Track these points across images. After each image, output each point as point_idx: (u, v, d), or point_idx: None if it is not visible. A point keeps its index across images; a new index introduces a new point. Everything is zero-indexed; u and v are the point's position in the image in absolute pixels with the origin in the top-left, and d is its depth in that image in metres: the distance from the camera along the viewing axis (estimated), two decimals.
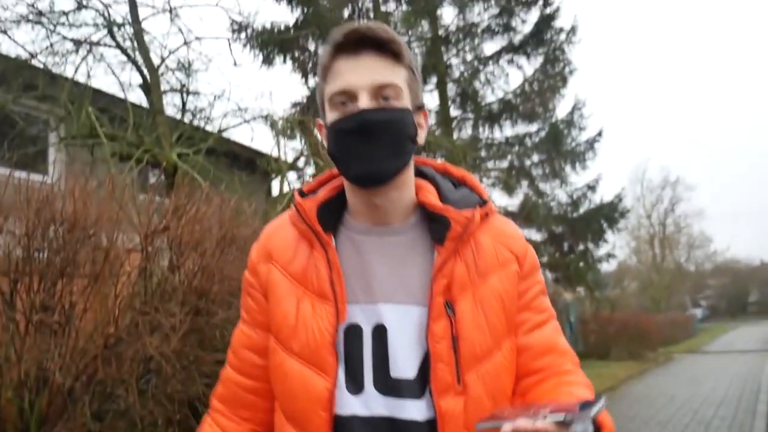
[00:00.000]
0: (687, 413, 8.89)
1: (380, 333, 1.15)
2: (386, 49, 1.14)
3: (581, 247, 16.77)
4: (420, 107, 1.23)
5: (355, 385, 1.14)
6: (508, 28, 15.06)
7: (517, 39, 15.10)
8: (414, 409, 1.11)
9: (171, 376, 3.65)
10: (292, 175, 10.05)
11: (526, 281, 1.23)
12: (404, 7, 14.19)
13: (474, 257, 1.18)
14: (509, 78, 15.42)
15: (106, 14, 8.71)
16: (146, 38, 8.99)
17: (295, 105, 13.34)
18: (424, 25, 14.30)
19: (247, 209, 5.40)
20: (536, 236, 16.20)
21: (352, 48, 1.13)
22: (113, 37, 8.75)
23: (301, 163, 9.81)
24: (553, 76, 15.24)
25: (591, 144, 15.87)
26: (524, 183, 15.92)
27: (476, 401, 1.11)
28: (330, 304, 1.15)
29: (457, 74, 15.18)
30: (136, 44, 8.93)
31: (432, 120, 13.57)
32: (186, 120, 9.23)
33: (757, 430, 7.32)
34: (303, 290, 1.19)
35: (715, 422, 8.07)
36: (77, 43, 8.37)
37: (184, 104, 9.49)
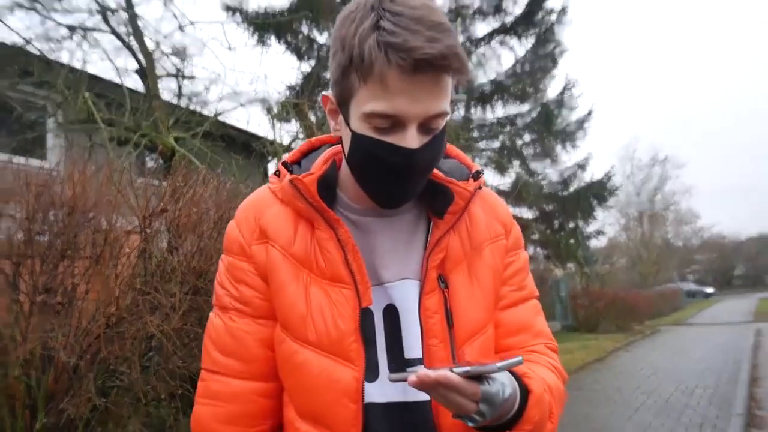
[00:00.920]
0: (671, 383, 8.97)
1: (391, 314, 1.06)
2: (450, 70, 0.94)
3: (571, 224, 16.83)
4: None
5: (371, 371, 1.03)
6: (499, 10, 15.01)
7: (509, 20, 15.04)
8: None
9: (172, 353, 3.67)
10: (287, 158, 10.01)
11: (510, 255, 1.17)
12: None
13: (468, 230, 1.11)
14: (501, 59, 15.39)
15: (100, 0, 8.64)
16: (140, 23, 8.92)
17: (290, 88, 13.27)
18: None
19: (243, 191, 5.40)
20: (528, 214, 16.27)
21: (412, 66, 0.90)
22: (107, 23, 8.68)
23: (296, 145, 9.78)
24: (543, 57, 15.22)
25: (581, 124, 15.90)
26: (516, 163, 15.95)
27: None
28: (348, 287, 1.03)
29: None
30: (130, 29, 8.86)
31: None
32: (182, 104, 9.19)
33: (738, 399, 7.40)
34: (308, 273, 1.05)
35: (698, 391, 8.15)
36: (72, 29, 8.30)
37: (180, 89, 9.46)
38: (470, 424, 0.89)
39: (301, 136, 9.59)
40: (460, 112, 15.57)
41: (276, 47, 13.09)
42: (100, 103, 7.84)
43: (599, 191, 16.20)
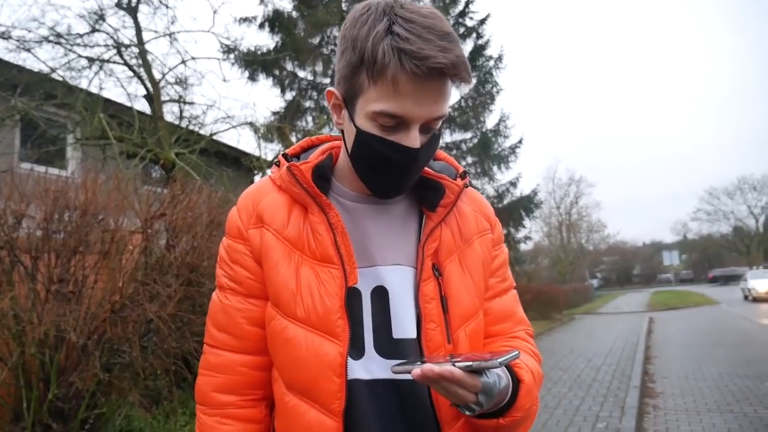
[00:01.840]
0: (583, 361, 9.09)
1: (381, 294, 0.96)
2: (458, 79, 0.87)
3: (505, 231, 17.01)
4: None
5: (356, 349, 0.93)
6: None
7: None
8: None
9: (167, 335, 3.61)
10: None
11: (495, 248, 1.08)
12: None
13: (458, 224, 1.03)
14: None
15: (115, 37, 8.48)
16: (149, 57, 8.78)
17: (274, 114, 13.16)
18: None
19: (232, 199, 5.35)
20: None
21: (425, 73, 0.82)
22: (121, 56, 8.52)
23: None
24: (483, 95, 15.37)
25: (513, 149, 16.07)
26: None
27: None
28: (336, 267, 0.93)
29: None
30: (140, 62, 8.71)
31: None
32: (183, 125, 9.05)
33: (635, 374, 7.54)
34: (300, 255, 0.95)
35: (604, 368, 8.26)
36: (90, 61, 8.12)
37: (181, 112, 9.31)
38: (467, 413, 0.83)
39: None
40: None
41: (263, 81, 12.99)
42: (112, 123, 7.71)
43: (527, 204, 16.42)
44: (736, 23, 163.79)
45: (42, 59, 7.71)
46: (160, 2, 8.79)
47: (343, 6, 12.58)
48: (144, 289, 3.59)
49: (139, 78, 8.77)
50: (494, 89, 15.39)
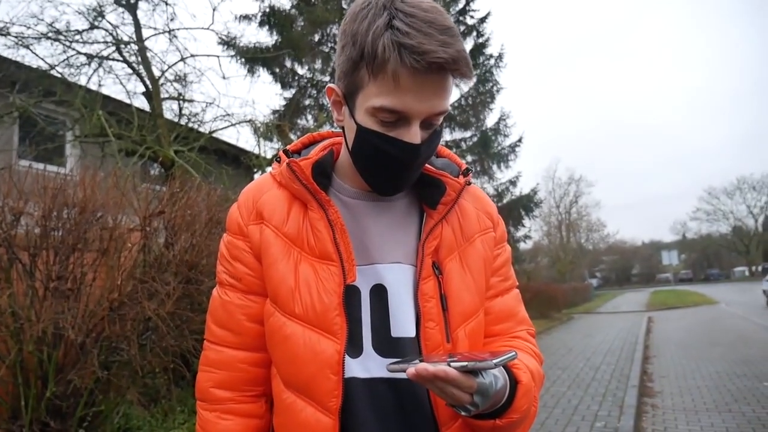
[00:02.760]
0: (581, 360, 9.09)
1: (380, 293, 0.94)
2: (458, 74, 0.85)
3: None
4: None
5: (354, 347, 0.92)
6: None
7: None
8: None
9: (166, 333, 3.61)
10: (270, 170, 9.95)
11: (498, 247, 1.06)
12: None
13: (459, 222, 1.01)
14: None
15: (114, 34, 8.46)
16: (149, 54, 8.76)
17: (274, 112, 13.14)
18: None
19: (231, 197, 5.35)
20: None
21: (425, 68, 0.81)
22: (120, 53, 8.51)
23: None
24: (483, 93, 15.35)
25: (513, 148, 16.07)
26: None
27: None
28: (334, 264, 0.92)
29: None
30: (140, 59, 8.70)
31: None
32: (182, 123, 9.04)
33: (634, 373, 7.55)
34: (299, 251, 0.94)
35: (602, 367, 8.26)
36: (90, 58, 8.11)
37: (180, 110, 9.29)
38: (463, 414, 0.81)
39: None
40: None
41: (263, 77, 12.99)
42: (111, 120, 7.70)
43: (527, 203, 16.42)
44: (737, 22, 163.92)
45: (41, 56, 7.71)
46: None
47: (343, 4, 12.55)
48: (143, 287, 3.59)
49: (139, 75, 8.76)
50: (494, 88, 15.37)
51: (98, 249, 3.67)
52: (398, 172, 0.91)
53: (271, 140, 10.48)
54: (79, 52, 8.02)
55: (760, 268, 59.68)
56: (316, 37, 13.18)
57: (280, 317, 0.94)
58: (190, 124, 9.03)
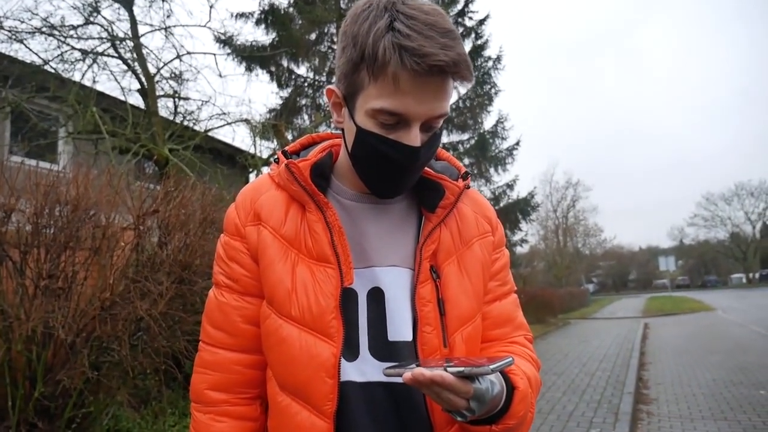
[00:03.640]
0: (577, 366, 9.09)
1: (377, 296, 0.94)
2: (458, 77, 0.85)
3: None
4: None
5: (351, 350, 0.91)
6: None
7: None
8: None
9: (158, 333, 3.59)
10: (266, 170, 9.94)
11: (496, 251, 1.07)
12: None
13: (458, 225, 1.01)
14: None
15: (109, 29, 8.45)
16: (144, 51, 8.74)
17: (270, 111, 13.13)
18: None
19: (226, 197, 5.34)
20: None
21: (426, 71, 0.81)
22: (116, 49, 8.49)
23: (274, 159, 9.71)
24: (481, 96, 15.39)
25: (510, 151, 16.10)
26: None
27: None
28: (332, 267, 0.92)
29: None
30: (135, 56, 8.68)
31: None
32: (177, 121, 9.02)
33: (629, 379, 7.55)
34: (296, 253, 0.94)
35: (598, 373, 8.27)
36: (84, 53, 8.09)
37: (176, 107, 9.28)
38: (459, 419, 0.81)
39: (278, 151, 9.50)
40: None
41: (260, 76, 12.98)
42: (105, 117, 7.68)
43: (524, 207, 16.46)
44: (736, 29, 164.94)
45: (34, 51, 7.70)
46: None
47: (342, 3, 12.56)
48: (135, 287, 3.58)
49: (134, 72, 8.74)
50: (492, 90, 15.42)
51: (90, 247, 3.66)
52: (397, 174, 0.91)
53: (267, 140, 10.47)
54: (73, 48, 8.01)
55: (757, 275, 60.03)
56: (314, 36, 13.19)
57: (276, 319, 0.94)
58: (186, 123, 9.02)
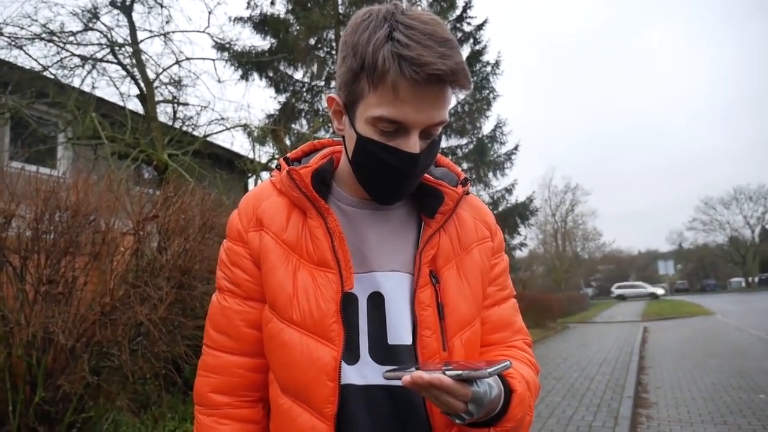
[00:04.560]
0: (576, 370, 9.08)
1: (377, 300, 0.96)
2: (457, 85, 0.87)
3: None
4: None
5: (351, 354, 0.93)
6: None
7: None
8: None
9: (158, 338, 3.60)
10: (265, 175, 9.95)
11: (495, 257, 1.08)
12: None
13: (457, 231, 1.03)
14: None
15: (109, 35, 8.46)
16: (143, 57, 8.77)
17: (268, 116, 13.15)
18: None
19: (225, 202, 5.36)
20: None
21: (424, 80, 0.83)
22: (115, 55, 8.51)
23: (273, 165, 9.74)
24: (480, 101, 15.39)
25: (509, 156, 16.10)
26: None
27: None
28: (332, 272, 0.94)
29: None
30: (134, 62, 8.70)
31: None
32: (176, 126, 9.04)
33: (629, 384, 7.55)
34: (298, 258, 0.96)
35: (597, 377, 8.26)
36: (83, 59, 8.11)
37: (174, 113, 9.29)
38: (457, 422, 0.83)
39: (277, 157, 9.53)
40: None
41: (258, 81, 12.99)
42: (104, 122, 7.70)
43: (523, 211, 16.44)
44: (736, 33, 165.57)
45: (34, 57, 7.70)
46: (155, 1, 8.78)
47: (340, 9, 12.61)
48: (135, 292, 3.59)
49: (133, 78, 8.76)
50: (491, 95, 15.43)
51: (90, 253, 3.67)
52: (397, 181, 0.92)
53: (265, 144, 10.50)
54: (73, 54, 8.02)
55: (756, 279, 60.01)
56: (312, 42, 13.23)
57: (277, 323, 0.95)
58: (185, 128, 9.03)
